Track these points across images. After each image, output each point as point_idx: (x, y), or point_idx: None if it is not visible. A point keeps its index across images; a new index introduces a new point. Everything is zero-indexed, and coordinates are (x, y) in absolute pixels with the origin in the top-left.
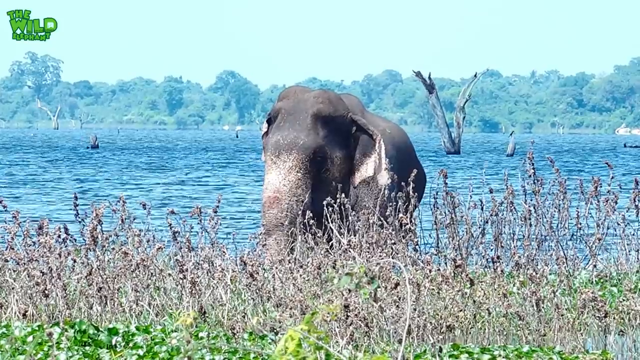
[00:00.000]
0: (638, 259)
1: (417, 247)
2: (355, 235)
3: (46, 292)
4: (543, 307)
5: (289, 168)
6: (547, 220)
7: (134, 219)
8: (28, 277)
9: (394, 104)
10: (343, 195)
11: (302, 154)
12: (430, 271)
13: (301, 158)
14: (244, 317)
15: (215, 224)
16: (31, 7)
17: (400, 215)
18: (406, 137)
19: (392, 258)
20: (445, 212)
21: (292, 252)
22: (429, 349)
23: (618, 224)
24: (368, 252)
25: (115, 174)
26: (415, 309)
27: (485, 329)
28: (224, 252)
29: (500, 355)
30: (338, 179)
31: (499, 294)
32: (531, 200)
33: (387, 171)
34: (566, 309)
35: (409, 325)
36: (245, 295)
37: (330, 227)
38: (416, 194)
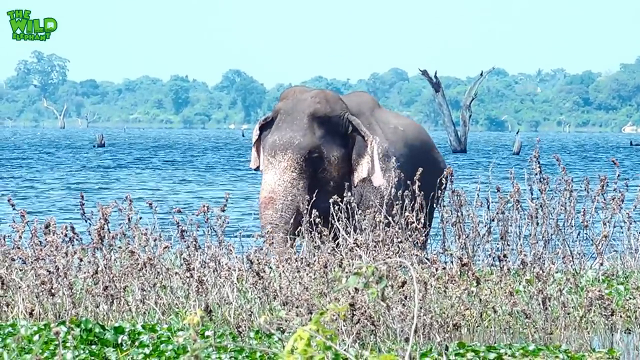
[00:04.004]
0: None
1: (423, 245)
2: (355, 234)
3: (52, 291)
4: (549, 306)
5: (284, 168)
6: (553, 219)
7: (140, 218)
8: (35, 276)
9: (400, 102)
10: (349, 194)
11: (296, 154)
12: (436, 270)
13: (296, 158)
14: (250, 315)
15: (223, 222)
16: (31, 7)
17: (407, 213)
18: (422, 135)
19: (399, 257)
20: (451, 211)
21: (292, 249)
22: (435, 347)
23: (624, 222)
24: (375, 250)
25: (122, 172)
26: (421, 308)
27: (491, 328)
28: (230, 250)
29: (506, 354)
30: (336, 178)
31: (505, 293)
32: (538, 198)
33: (388, 171)
34: (572, 308)
35: (415, 324)
36: (251, 294)
37: (336, 227)
38: (422, 192)
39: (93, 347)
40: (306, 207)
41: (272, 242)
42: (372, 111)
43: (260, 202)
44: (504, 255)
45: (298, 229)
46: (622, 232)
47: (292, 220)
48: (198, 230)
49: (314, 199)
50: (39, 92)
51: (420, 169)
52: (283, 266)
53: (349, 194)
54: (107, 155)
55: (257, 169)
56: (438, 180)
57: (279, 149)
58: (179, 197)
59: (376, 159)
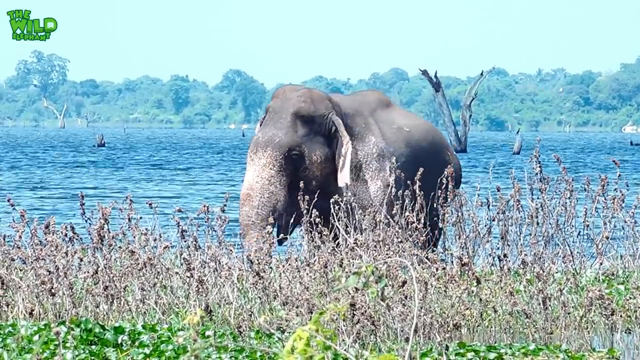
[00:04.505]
0: None
1: (424, 245)
2: (355, 233)
3: (53, 291)
4: (550, 305)
5: (263, 165)
6: (553, 218)
7: (141, 218)
8: (35, 275)
9: (400, 102)
10: (349, 194)
11: (276, 151)
12: (437, 269)
13: (275, 155)
14: (250, 315)
15: (223, 222)
16: (31, 7)
17: (407, 213)
18: (430, 136)
19: (399, 257)
20: (451, 211)
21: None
22: (435, 347)
23: (625, 222)
24: (375, 250)
25: (121, 172)
26: (421, 307)
27: (491, 327)
28: (230, 250)
29: (506, 354)
30: (319, 178)
31: (505, 292)
32: (538, 198)
33: (384, 171)
34: (573, 307)
35: (416, 324)
36: (252, 294)
37: (336, 226)
38: (424, 192)
39: (93, 347)
40: (291, 205)
41: (246, 237)
42: (373, 111)
43: (240, 198)
44: (504, 255)
45: (284, 227)
46: (623, 233)
47: (269, 218)
48: (198, 230)
49: (295, 198)
50: (39, 92)
51: (422, 169)
52: (283, 266)
53: (349, 193)
54: (106, 155)
55: None
56: (438, 181)
57: (260, 146)
58: (179, 197)
59: (347, 160)
